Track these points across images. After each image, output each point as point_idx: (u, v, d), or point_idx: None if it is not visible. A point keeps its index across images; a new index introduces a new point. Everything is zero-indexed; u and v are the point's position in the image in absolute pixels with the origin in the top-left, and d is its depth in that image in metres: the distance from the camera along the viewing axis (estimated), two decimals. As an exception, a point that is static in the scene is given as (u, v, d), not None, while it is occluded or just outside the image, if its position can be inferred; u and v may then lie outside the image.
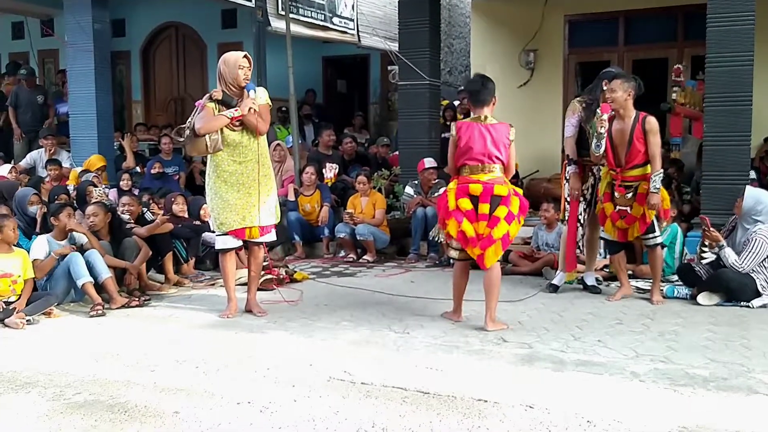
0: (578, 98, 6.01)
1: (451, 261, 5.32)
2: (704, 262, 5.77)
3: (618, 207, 5.54)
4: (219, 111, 5.15)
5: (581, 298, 5.75)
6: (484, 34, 10.83)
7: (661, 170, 5.39)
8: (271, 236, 5.48)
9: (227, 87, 5.23)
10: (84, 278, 5.47)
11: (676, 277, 6.12)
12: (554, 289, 5.94)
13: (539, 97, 10.20)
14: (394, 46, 9.43)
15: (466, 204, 4.71)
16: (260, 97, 5.27)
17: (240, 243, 5.37)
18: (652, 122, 5.35)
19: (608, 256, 6.21)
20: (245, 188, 5.20)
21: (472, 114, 4.90)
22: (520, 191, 4.89)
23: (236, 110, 5.14)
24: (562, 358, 4.18)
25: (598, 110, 5.33)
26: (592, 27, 10.32)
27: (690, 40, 9.39)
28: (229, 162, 5.19)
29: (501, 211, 4.68)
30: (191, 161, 10.41)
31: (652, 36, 10.04)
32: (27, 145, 10.34)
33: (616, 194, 5.53)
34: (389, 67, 13.12)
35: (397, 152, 9.78)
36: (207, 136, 5.11)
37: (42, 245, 5.65)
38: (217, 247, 5.41)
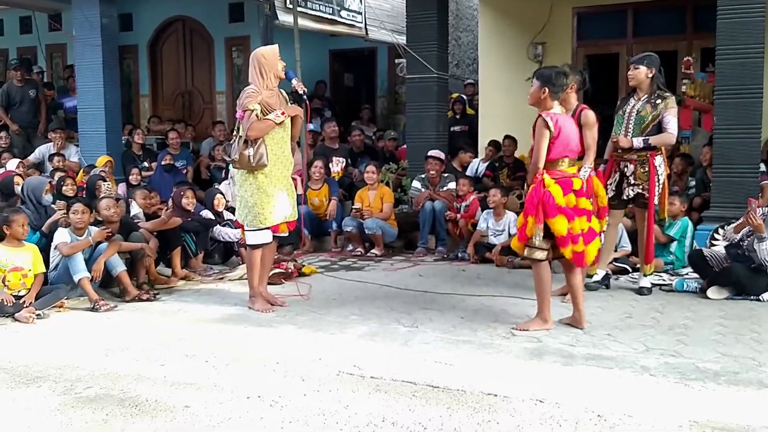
0: None
1: (521, 260, 5.04)
2: (715, 248, 5.76)
3: None
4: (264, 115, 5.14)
5: (590, 292, 5.71)
6: (491, 27, 10.78)
7: (591, 165, 5.16)
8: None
9: (265, 81, 5.19)
10: (81, 273, 5.47)
11: (685, 271, 6.09)
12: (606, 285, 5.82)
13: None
14: (402, 39, 9.40)
15: (572, 199, 4.49)
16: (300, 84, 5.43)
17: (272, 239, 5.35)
18: (589, 115, 5.25)
19: None
20: (283, 183, 5.27)
21: (554, 106, 4.62)
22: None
23: (282, 114, 5.16)
24: (572, 352, 4.17)
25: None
26: (600, 19, 10.25)
27: (699, 32, 9.32)
28: (271, 157, 5.16)
29: (590, 205, 4.64)
30: (198, 155, 10.46)
31: (661, 28, 9.96)
32: (26, 140, 10.36)
33: None
34: (397, 60, 13.10)
35: (404, 146, 9.77)
36: (250, 149, 5.06)
37: (65, 235, 5.67)
38: (254, 242, 5.27)
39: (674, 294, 5.64)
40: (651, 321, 4.86)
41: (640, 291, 5.62)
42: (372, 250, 7.78)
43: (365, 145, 10.11)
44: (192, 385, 3.72)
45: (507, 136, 9.18)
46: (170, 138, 9.76)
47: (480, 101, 10.90)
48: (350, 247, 7.98)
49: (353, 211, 7.94)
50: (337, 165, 9.22)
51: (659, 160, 5.48)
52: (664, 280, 6.00)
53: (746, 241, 5.50)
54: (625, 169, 5.56)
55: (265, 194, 5.17)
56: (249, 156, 5.06)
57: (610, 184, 5.61)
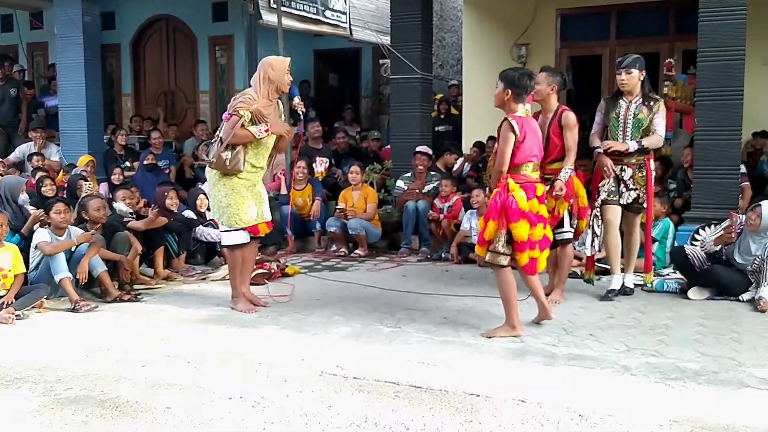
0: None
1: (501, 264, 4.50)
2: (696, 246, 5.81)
3: None
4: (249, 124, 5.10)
5: (571, 292, 5.73)
6: (475, 28, 10.81)
7: (571, 166, 5.16)
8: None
9: (269, 92, 5.17)
10: (62, 273, 5.43)
11: (667, 271, 6.14)
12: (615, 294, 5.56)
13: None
14: (386, 40, 9.40)
15: (535, 205, 4.45)
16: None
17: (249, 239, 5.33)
18: (569, 117, 5.20)
19: None
20: (260, 185, 5.37)
21: (518, 108, 4.52)
22: None
23: (265, 130, 5.12)
24: (554, 353, 4.19)
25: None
26: (584, 21, 10.31)
27: (682, 34, 9.40)
28: (249, 163, 5.20)
29: (544, 210, 4.59)
30: (181, 155, 10.40)
31: (643, 30, 10.04)
32: (6, 139, 10.24)
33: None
34: (381, 61, 13.08)
35: (388, 146, 9.77)
36: (228, 152, 5.06)
37: (45, 235, 5.61)
38: (229, 243, 5.27)
39: (655, 294, 5.68)
40: (632, 321, 4.89)
41: (623, 291, 5.59)
42: (356, 251, 7.78)
43: (349, 145, 10.11)
44: (173, 386, 3.70)
45: (491, 137, 9.19)
46: (153, 137, 9.69)
47: (464, 102, 10.92)
48: (334, 248, 7.97)
49: (337, 211, 7.93)
50: (321, 165, 9.21)
51: (654, 164, 5.50)
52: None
53: (724, 250, 5.56)
54: (623, 173, 5.44)
55: (239, 195, 5.19)
56: (226, 159, 5.08)
57: (602, 186, 5.42)
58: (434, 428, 3.14)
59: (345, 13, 12.09)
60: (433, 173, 8.19)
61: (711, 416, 3.21)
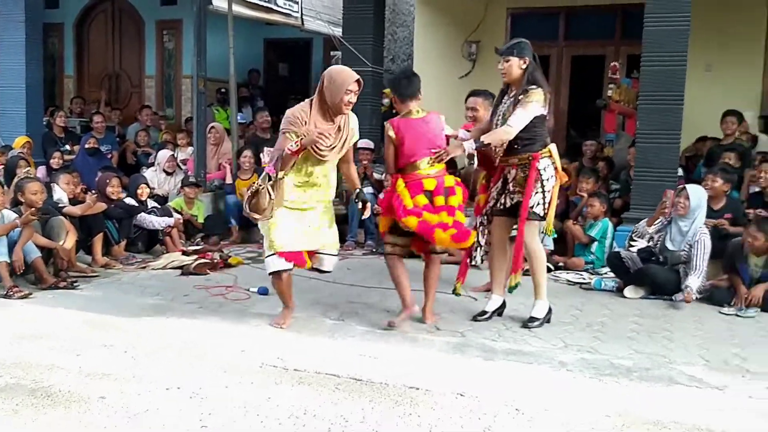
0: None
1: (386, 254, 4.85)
2: (633, 249, 5.96)
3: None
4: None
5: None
6: (427, 24, 10.85)
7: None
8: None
9: (322, 107, 4.38)
10: (2, 257, 5.28)
11: (605, 270, 6.29)
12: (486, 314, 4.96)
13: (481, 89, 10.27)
14: (338, 32, 9.35)
15: (422, 200, 4.53)
16: (354, 133, 4.58)
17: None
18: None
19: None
20: (316, 210, 4.60)
21: (407, 107, 4.63)
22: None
23: (295, 142, 4.29)
24: (494, 347, 4.25)
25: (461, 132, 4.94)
26: (534, 21, 10.45)
27: (627, 38, 9.61)
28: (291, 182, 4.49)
29: (454, 201, 4.63)
30: (124, 140, 10.17)
31: (591, 33, 10.25)
32: None
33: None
34: (332, 53, 13.01)
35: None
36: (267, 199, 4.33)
37: None
38: (268, 268, 4.59)
39: (593, 292, 5.83)
40: (570, 318, 4.99)
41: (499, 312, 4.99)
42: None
43: (298, 136, 10.01)
44: (109, 375, 3.62)
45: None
46: (95, 121, 9.45)
47: (414, 97, 10.94)
48: (278, 239, 7.88)
49: (283, 202, 7.84)
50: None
51: (545, 163, 4.69)
52: (584, 278, 6.17)
53: (657, 239, 5.73)
54: (508, 174, 4.83)
55: (278, 215, 4.46)
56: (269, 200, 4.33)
57: (493, 192, 4.93)
58: (373, 421, 3.15)
59: (297, 3, 11.97)
60: (377, 165, 8.19)
61: (642, 412, 3.30)
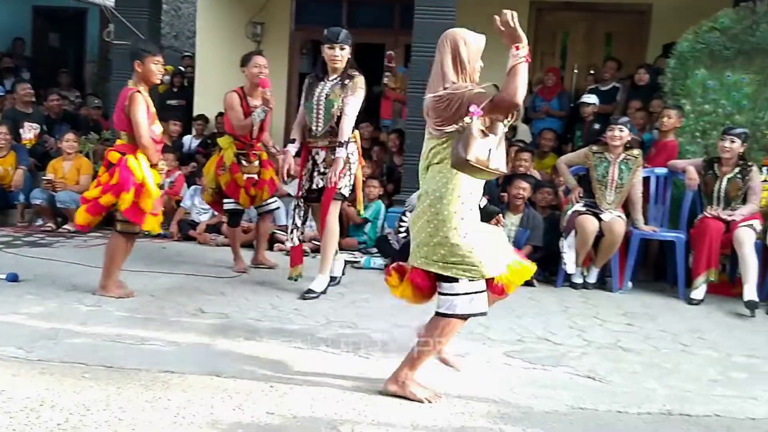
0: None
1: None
2: (401, 234, 6.24)
3: (247, 175, 5.64)
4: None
5: (283, 268, 5.68)
6: (211, 1, 10.55)
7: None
8: None
9: (461, 75, 3.23)
10: None
11: (375, 250, 6.53)
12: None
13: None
14: (111, 2, 8.79)
15: (105, 178, 4.80)
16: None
17: None
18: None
19: (229, 229, 5.96)
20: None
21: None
22: None
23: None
24: (257, 327, 4.26)
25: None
26: (318, 6, 10.51)
27: (404, 29, 9.93)
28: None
29: (106, 178, 4.76)
30: None
31: (372, 21, 10.52)
32: None
33: (244, 163, 5.64)
34: (109, 25, 12.26)
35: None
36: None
37: None
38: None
39: (362, 271, 6.04)
40: (336, 296, 5.13)
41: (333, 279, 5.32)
42: (65, 226, 7.21)
43: (64, 111, 9.32)
44: None
45: (221, 113, 9.06)
46: None
47: (197, 76, 10.62)
48: (39, 222, 7.33)
49: (45, 182, 7.29)
50: (30, 131, 8.37)
51: (352, 148, 5.05)
52: (355, 257, 6.37)
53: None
54: (317, 156, 5.14)
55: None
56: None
57: (305, 175, 5.17)
58: (117, 407, 3.02)
59: (68, -32, 11.14)
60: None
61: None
